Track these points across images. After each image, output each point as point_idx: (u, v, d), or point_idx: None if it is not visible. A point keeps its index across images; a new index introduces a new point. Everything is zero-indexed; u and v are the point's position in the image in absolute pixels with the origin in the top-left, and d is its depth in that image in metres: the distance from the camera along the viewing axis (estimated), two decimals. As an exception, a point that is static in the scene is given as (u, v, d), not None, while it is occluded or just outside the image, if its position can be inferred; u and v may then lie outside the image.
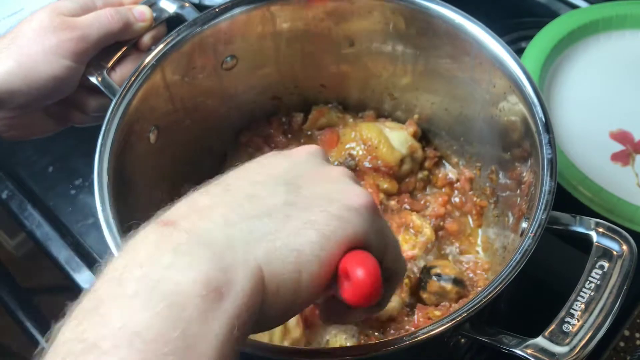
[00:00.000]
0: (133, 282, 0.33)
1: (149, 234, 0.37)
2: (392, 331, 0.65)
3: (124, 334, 0.31)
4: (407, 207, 0.76)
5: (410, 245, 0.71)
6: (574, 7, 1.05)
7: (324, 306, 0.46)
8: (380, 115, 0.83)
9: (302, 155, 0.45)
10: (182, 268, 0.34)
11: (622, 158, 0.84)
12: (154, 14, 0.71)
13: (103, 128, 0.60)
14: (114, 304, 0.33)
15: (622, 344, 0.73)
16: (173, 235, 0.36)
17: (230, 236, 0.37)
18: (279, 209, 0.39)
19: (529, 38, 0.93)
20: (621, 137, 0.86)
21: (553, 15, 0.96)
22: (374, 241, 0.41)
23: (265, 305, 0.37)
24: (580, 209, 0.76)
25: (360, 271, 0.38)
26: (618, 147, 0.85)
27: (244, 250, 0.36)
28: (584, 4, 1.05)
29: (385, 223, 0.44)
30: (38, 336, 0.83)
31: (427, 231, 0.71)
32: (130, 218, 0.55)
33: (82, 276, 0.80)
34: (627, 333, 0.73)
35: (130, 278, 0.34)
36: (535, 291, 0.72)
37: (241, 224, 0.38)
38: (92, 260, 0.80)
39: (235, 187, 0.41)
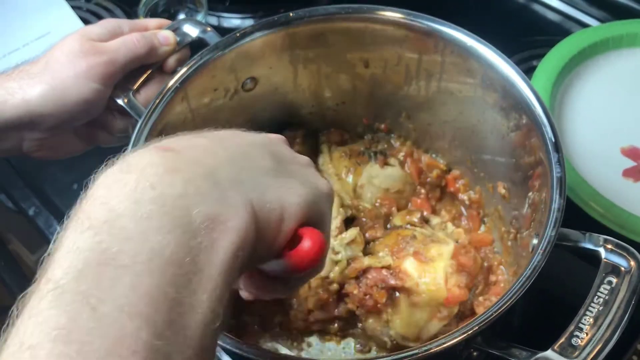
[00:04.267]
0: (148, 203, 0.35)
1: (152, 156, 0.38)
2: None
3: (143, 251, 0.33)
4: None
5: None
6: (585, 25, 1.06)
7: (247, 281, 0.49)
8: (394, 132, 0.85)
9: (274, 137, 0.50)
10: (193, 201, 0.36)
11: (634, 174, 0.85)
12: (178, 38, 0.74)
13: (129, 148, 0.63)
14: (131, 222, 0.34)
15: (634, 358, 0.74)
16: (179, 163, 0.38)
17: (232, 179, 0.40)
18: (268, 169, 0.44)
19: (541, 56, 0.95)
20: (632, 153, 0.87)
21: (564, 33, 0.98)
22: (324, 226, 0.47)
23: (253, 250, 0.40)
24: (592, 225, 0.77)
25: (308, 242, 0.43)
26: (629, 163, 0.86)
27: (244, 193, 0.40)
28: (595, 23, 1.06)
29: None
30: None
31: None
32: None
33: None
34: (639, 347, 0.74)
35: (145, 199, 0.35)
36: (547, 304, 0.73)
37: (241, 172, 0.42)
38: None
39: (228, 142, 0.45)
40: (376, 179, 0.79)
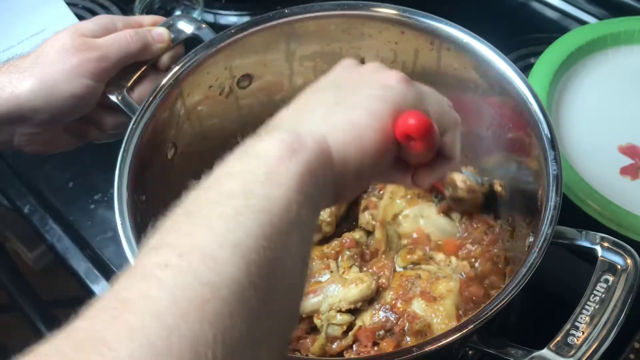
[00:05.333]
0: (230, 158, 0.42)
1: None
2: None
3: (226, 174, 0.41)
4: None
5: None
6: (582, 23, 1.06)
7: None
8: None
9: (337, 68, 0.55)
10: (263, 140, 0.42)
11: (631, 172, 0.85)
12: (172, 35, 0.73)
13: (123, 145, 0.62)
14: (217, 168, 0.42)
15: (632, 356, 0.73)
16: (255, 138, 0.44)
17: (298, 124, 0.47)
18: (331, 100, 0.49)
19: (538, 54, 0.95)
20: (630, 151, 0.87)
21: (562, 31, 0.97)
22: (415, 106, 0.49)
23: (337, 172, 0.44)
24: (589, 223, 0.77)
25: (411, 119, 0.47)
26: (627, 161, 0.86)
27: (309, 128, 0.45)
28: (592, 20, 1.06)
29: (425, 88, 0.53)
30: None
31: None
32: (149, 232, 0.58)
33: (101, 288, 0.81)
34: (637, 345, 0.74)
35: (228, 158, 0.42)
36: (543, 302, 0.73)
37: (304, 117, 0.48)
38: (110, 273, 0.82)
39: (293, 106, 0.51)
40: (423, 220, 0.75)
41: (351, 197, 0.49)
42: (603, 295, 0.50)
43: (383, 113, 0.47)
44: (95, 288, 0.82)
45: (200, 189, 0.40)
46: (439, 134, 0.51)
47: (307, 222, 0.41)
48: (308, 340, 0.66)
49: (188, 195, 0.40)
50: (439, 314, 0.63)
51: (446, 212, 0.75)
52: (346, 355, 0.65)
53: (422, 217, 0.75)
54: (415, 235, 0.74)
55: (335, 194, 0.46)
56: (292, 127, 0.45)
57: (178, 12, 0.99)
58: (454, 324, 0.61)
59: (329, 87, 0.52)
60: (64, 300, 1.14)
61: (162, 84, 0.67)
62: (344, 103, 0.48)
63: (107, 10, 1.11)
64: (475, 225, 0.72)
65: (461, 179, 0.72)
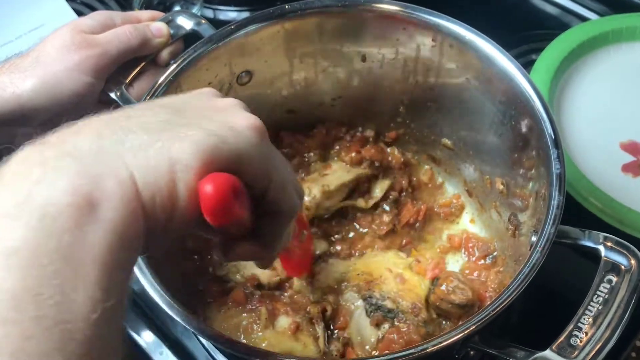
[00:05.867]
0: (4, 202, 0.32)
1: (18, 154, 0.35)
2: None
3: (2, 254, 0.30)
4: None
5: None
6: (584, 19, 1.06)
7: (221, 247, 0.45)
8: (390, 127, 0.84)
9: (193, 93, 0.46)
10: (50, 181, 0.33)
11: (633, 169, 0.85)
12: (171, 31, 0.73)
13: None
14: None
15: (634, 354, 0.73)
16: (42, 152, 0.35)
17: (100, 147, 0.35)
18: (156, 124, 0.38)
19: (540, 50, 0.94)
20: (632, 148, 0.87)
21: (563, 27, 0.97)
22: (254, 168, 0.40)
23: (148, 220, 0.36)
24: (591, 220, 0.77)
25: (208, 186, 0.37)
26: (629, 158, 0.86)
27: (114, 160, 0.35)
28: (594, 17, 1.06)
29: (277, 154, 0.44)
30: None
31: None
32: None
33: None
34: (639, 344, 0.74)
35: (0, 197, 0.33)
36: (546, 302, 0.73)
37: (113, 137, 0.36)
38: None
39: (118, 111, 0.40)
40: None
41: (163, 249, 0.40)
42: (606, 296, 0.50)
43: (210, 156, 0.37)
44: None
45: None
46: (251, 214, 0.42)
47: (118, 304, 0.33)
48: None
49: None
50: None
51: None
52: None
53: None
54: None
55: (145, 248, 0.37)
56: (89, 157, 0.35)
57: (177, 8, 0.98)
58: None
59: (167, 107, 0.41)
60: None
61: (161, 80, 0.67)
62: (171, 131, 0.37)
63: (106, 6, 1.10)
64: None
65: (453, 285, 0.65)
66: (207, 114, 0.41)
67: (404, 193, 0.82)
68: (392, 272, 0.68)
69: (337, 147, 0.84)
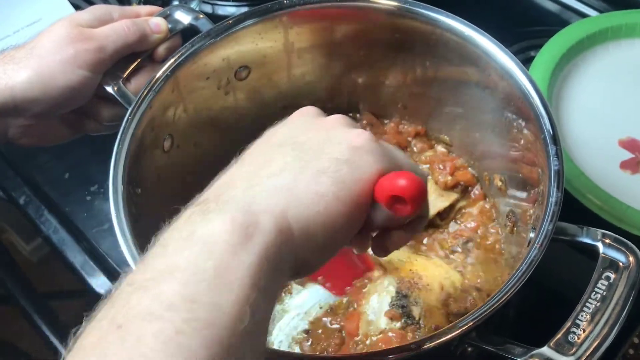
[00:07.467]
0: (172, 241, 0.38)
1: (180, 215, 0.41)
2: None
3: (166, 271, 0.36)
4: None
5: None
6: (583, 15, 1.05)
7: (376, 242, 0.50)
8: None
9: (296, 117, 0.50)
10: (211, 220, 0.38)
11: (631, 166, 0.85)
12: (169, 26, 0.72)
13: (118, 136, 0.62)
14: (157, 258, 0.38)
15: (631, 351, 0.73)
16: (202, 208, 0.40)
17: (253, 195, 0.41)
18: (292, 164, 0.43)
19: (539, 47, 0.94)
20: (630, 145, 0.87)
21: (562, 24, 0.97)
22: (388, 165, 0.45)
23: (299, 250, 0.40)
24: (589, 217, 0.77)
25: (401, 181, 0.43)
26: (627, 155, 0.86)
27: (266, 202, 0.40)
28: (593, 13, 1.05)
29: (389, 147, 0.48)
30: (54, 340, 0.85)
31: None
32: (144, 225, 0.57)
33: (97, 281, 0.81)
34: (636, 341, 0.74)
35: (169, 239, 0.39)
36: (543, 299, 0.73)
37: (261, 185, 0.42)
38: (106, 265, 0.82)
39: (248, 161, 0.46)
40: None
41: (313, 272, 0.45)
42: (604, 292, 0.50)
43: (352, 181, 0.43)
44: (92, 281, 0.81)
45: (133, 287, 0.36)
46: None
47: (262, 322, 0.38)
48: None
49: (118, 287, 0.36)
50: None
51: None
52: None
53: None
54: None
55: (295, 273, 0.42)
56: (245, 200, 0.40)
57: (175, 2, 0.97)
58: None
59: (288, 144, 0.45)
60: (60, 293, 1.14)
61: (158, 75, 0.66)
62: (307, 169, 0.43)
63: (104, 0, 1.09)
64: None
65: None
66: (326, 139, 0.45)
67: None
68: (442, 290, 0.68)
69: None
